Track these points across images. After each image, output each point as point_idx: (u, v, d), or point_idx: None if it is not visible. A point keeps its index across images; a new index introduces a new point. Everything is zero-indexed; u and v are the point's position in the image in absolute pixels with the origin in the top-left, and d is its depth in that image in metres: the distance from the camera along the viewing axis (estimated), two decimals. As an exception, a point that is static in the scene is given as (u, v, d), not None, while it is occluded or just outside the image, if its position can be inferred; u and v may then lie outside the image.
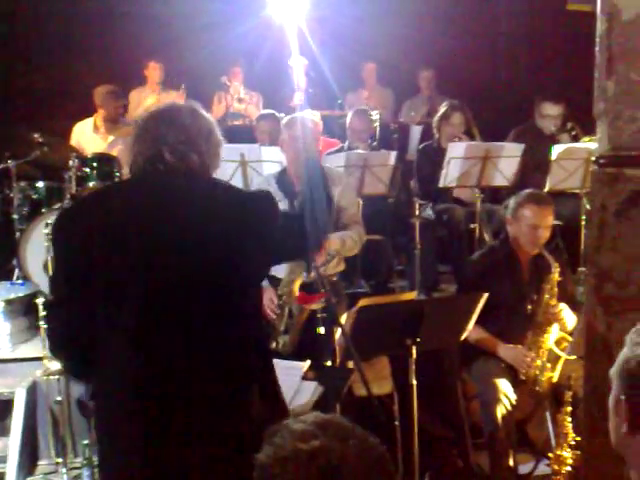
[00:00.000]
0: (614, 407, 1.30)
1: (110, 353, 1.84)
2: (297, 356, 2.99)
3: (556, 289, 3.39)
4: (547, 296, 3.39)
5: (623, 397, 1.26)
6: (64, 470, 3.52)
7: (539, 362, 3.39)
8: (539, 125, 5.38)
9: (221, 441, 1.83)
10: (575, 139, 5.29)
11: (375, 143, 5.59)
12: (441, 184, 4.77)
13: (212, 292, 1.84)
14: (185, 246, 1.82)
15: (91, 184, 4.71)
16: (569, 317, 3.44)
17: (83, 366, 1.92)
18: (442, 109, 5.18)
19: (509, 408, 3.30)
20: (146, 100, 6.48)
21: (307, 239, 2.21)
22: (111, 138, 5.80)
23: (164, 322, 1.82)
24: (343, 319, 2.89)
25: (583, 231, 4.82)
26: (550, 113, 5.31)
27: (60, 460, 3.58)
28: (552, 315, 3.38)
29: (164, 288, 1.82)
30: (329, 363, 2.90)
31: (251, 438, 1.77)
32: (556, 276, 3.38)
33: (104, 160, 4.88)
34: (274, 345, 3.15)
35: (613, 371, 1.30)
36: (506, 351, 3.44)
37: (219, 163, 2.00)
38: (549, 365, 3.40)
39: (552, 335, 3.41)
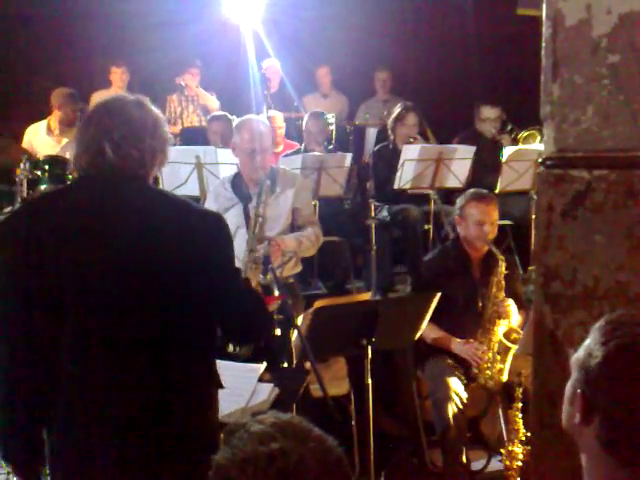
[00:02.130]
0: (570, 396, 1.34)
1: (54, 370, 1.80)
2: (253, 358, 2.99)
3: (503, 282, 3.49)
4: (494, 289, 3.48)
5: (580, 391, 1.30)
6: (15, 479, 3.45)
7: (490, 354, 3.48)
8: (480, 129, 5.51)
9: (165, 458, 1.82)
10: (515, 140, 5.44)
11: (331, 146, 5.62)
12: (396, 186, 4.82)
13: (151, 311, 1.80)
14: (124, 261, 1.79)
15: (42, 187, 4.62)
16: (515, 313, 3.53)
17: (23, 383, 1.83)
18: (396, 110, 5.25)
19: (460, 406, 3.37)
20: None
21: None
22: (65, 141, 5.70)
23: (101, 339, 1.78)
24: (299, 320, 2.90)
25: (534, 230, 4.93)
26: (489, 116, 5.47)
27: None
28: (501, 309, 3.47)
29: (100, 306, 1.78)
30: (285, 365, 2.91)
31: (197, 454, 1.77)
32: (502, 269, 3.48)
33: (56, 163, 4.79)
34: (231, 349, 3.14)
35: (574, 359, 1.34)
36: (460, 346, 3.52)
37: (166, 160, 1.95)
38: (499, 357, 3.49)
39: (501, 328, 3.50)
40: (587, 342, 1.32)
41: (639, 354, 1.27)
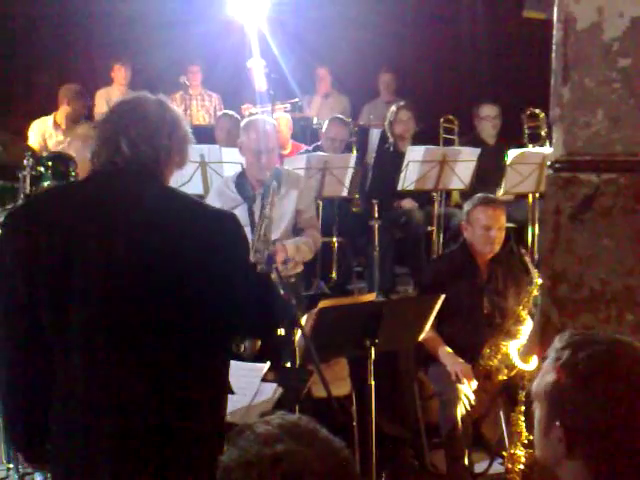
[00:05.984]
0: (543, 429, 1.27)
1: (57, 364, 1.78)
2: (257, 357, 2.99)
3: (531, 304, 3.43)
4: (520, 307, 3.45)
5: (558, 423, 1.24)
6: (16, 476, 3.44)
7: (495, 361, 3.46)
8: (481, 135, 5.53)
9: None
10: None
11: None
12: (400, 187, 4.82)
13: (161, 311, 1.77)
14: (127, 260, 1.76)
15: (46, 184, 4.61)
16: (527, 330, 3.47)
17: (26, 381, 1.81)
18: (390, 110, 5.29)
19: (468, 408, 3.34)
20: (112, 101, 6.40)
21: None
22: (69, 139, 5.70)
23: (109, 336, 1.75)
24: (303, 320, 2.89)
25: (536, 233, 4.94)
26: (489, 114, 5.50)
27: (11, 465, 3.49)
28: (518, 327, 3.44)
29: (105, 303, 1.75)
30: (289, 364, 2.90)
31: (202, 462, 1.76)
32: (535, 290, 3.36)
33: (59, 159, 4.77)
34: (235, 349, 3.14)
35: (536, 388, 1.29)
36: (447, 357, 3.45)
37: (185, 160, 1.94)
38: (505, 370, 3.45)
39: (514, 343, 3.45)
40: (544, 370, 1.28)
41: (591, 372, 1.22)
